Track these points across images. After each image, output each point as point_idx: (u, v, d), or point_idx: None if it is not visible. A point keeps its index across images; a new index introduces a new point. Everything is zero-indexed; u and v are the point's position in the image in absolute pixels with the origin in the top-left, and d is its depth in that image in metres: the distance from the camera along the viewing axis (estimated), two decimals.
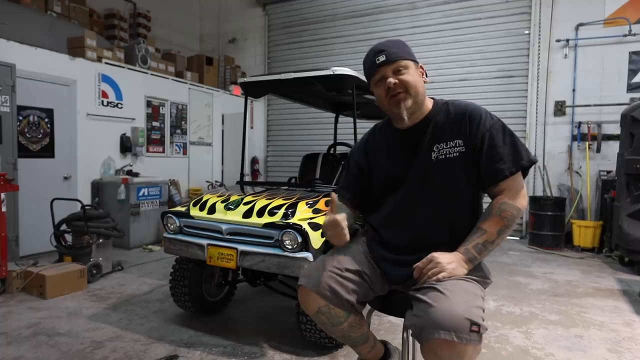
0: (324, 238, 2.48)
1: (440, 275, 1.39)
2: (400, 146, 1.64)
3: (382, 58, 1.53)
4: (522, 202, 1.48)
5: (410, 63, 1.54)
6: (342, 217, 1.58)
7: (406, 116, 1.54)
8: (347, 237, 1.60)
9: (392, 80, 1.51)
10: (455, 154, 1.52)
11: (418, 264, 1.47)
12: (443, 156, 1.54)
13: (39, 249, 4.71)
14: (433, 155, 1.55)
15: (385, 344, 1.84)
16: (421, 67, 1.61)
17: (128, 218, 5.29)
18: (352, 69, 3.01)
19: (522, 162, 1.47)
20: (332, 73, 2.92)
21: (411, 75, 1.53)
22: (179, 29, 8.85)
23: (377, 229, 1.69)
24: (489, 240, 1.45)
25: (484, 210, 1.57)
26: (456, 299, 1.29)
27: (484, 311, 1.33)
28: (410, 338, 1.69)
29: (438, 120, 1.57)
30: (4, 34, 4.66)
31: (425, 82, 1.60)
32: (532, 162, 1.49)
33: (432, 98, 1.66)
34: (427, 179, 1.56)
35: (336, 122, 4.73)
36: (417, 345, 1.81)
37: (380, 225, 1.68)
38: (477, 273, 1.49)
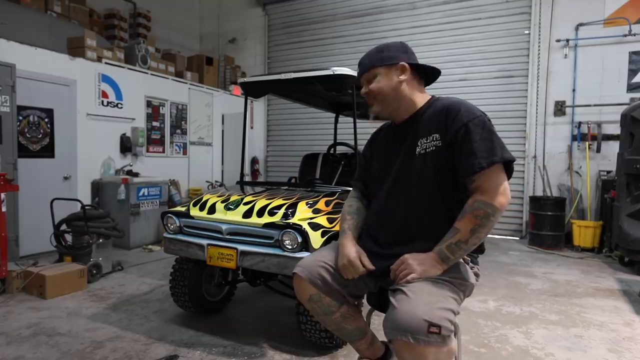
0: (324, 238, 2.49)
1: (409, 277, 1.40)
2: (392, 141, 1.72)
3: (359, 70, 1.71)
4: (500, 199, 1.41)
5: (379, 70, 1.63)
6: (354, 256, 1.60)
7: (372, 118, 1.73)
8: (361, 267, 1.60)
9: (363, 90, 1.69)
10: (432, 148, 1.54)
11: (393, 265, 1.49)
12: (424, 150, 1.56)
13: (39, 249, 4.71)
14: (417, 150, 1.58)
15: (386, 344, 1.84)
16: (402, 65, 1.60)
17: (128, 218, 5.29)
18: (352, 69, 3.00)
19: (494, 159, 1.41)
20: (332, 73, 2.92)
21: (377, 82, 1.63)
22: (179, 29, 8.85)
23: (369, 221, 1.76)
24: (461, 239, 1.41)
25: None
26: (417, 300, 1.30)
27: (455, 313, 1.34)
28: None
29: (424, 116, 1.62)
30: (4, 34, 4.66)
31: (401, 80, 1.60)
32: (506, 159, 1.43)
33: (431, 95, 1.69)
34: (405, 173, 1.60)
35: (336, 122, 4.73)
36: None
37: (370, 218, 1.75)
38: (453, 274, 1.47)
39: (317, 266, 1.63)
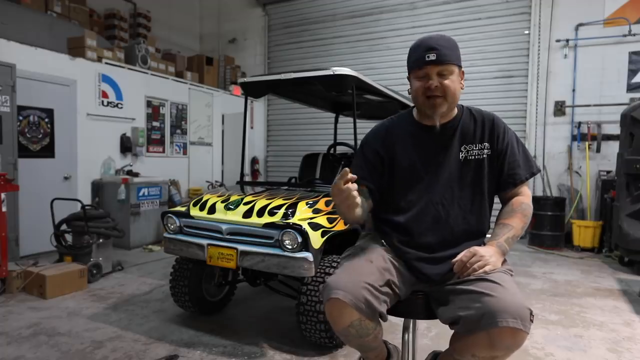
0: (324, 238, 2.49)
1: (487, 268, 1.43)
2: (430, 143, 1.66)
3: (432, 57, 1.52)
4: (531, 202, 1.68)
5: (455, 68, 1.57)
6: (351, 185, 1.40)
7: (438, 120, 1.62)
8: (358, 203, 1.44)
9: (434, 83, 1.54)
10: (484, 156, 1.65)
11: (460, 257, 1.47)
12: (473, 157, 1.65)
13: (39, 249, 4.71)
14: (461, 155, 1.65)
15: (387, 345, 1.83)
16: (462, 72, 1.63)
17: (128, 218, 5.29)
18: (352, 69, 3.01)
19: (533, 170, 1.69)
20: (332, 73, 2.92)
21: (452, 81, 1.56)
22: (179, 29, 8.85)
23: (405, 227, 1.64)
24: (516, 235, 1.58)
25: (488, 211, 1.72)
26: (512, 289, 1.37)
27: None
28: (411, 338, 1.69)
29: (465, 123, 1.67)
30: (4, 34, 4.66)
31: (462, 87, 1.63)
32: (539, 169, 1.74)
33: None
34: (458, 177, 1.65)
35: (336, 122, 4.74)
36: (417, 345, 1.82)
37: (409, 224, 1.64)
38: (508, 266, 1.57)
39: (360, 288, 1.43)
